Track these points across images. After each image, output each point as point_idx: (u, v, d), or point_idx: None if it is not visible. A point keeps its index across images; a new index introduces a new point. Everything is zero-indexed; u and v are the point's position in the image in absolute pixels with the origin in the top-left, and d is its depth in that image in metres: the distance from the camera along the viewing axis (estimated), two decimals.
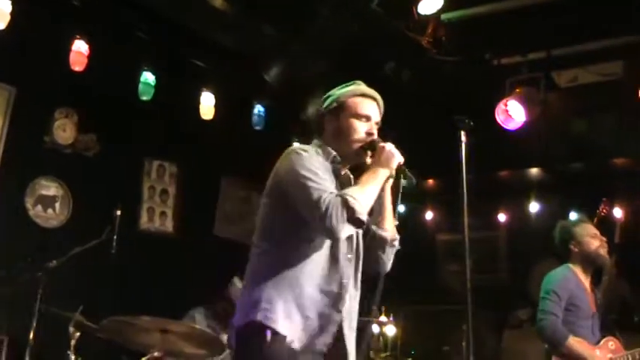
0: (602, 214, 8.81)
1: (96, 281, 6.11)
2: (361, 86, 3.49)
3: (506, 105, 6.66)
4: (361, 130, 3.34)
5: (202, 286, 6.55)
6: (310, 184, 3.09)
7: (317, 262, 3.16)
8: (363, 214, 3.06)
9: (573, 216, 8.95)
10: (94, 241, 5.13)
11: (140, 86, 6.43)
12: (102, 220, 5.23)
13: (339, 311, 3.18)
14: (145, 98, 6.45)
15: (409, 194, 3.29)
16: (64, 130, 6.41)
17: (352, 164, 3.40)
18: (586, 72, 7.11)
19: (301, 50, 6.43)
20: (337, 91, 3.47)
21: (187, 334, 4.56)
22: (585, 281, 5.36)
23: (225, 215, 7.76)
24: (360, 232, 3.33)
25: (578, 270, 5.36)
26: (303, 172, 3.14)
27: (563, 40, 6.75)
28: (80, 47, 5.98)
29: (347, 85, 3.49)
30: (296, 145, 3.41)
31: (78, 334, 4.64)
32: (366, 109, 3.40)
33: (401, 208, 3.50)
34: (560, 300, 5.13)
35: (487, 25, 6.65)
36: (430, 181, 8.52)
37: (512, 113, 6.62)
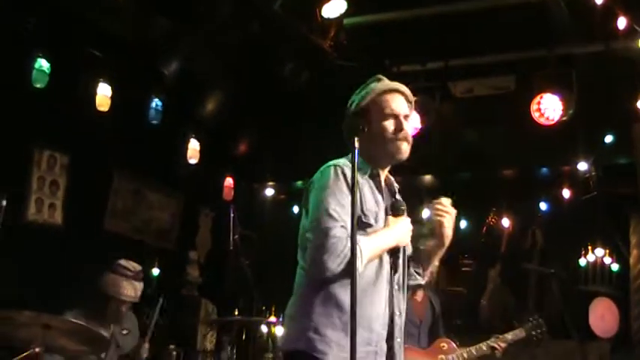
0: (491, 223, 9.10)
1: None
2: (383, 81, 3.37)
3: None
4: (390, 128, 3.23)
5: (89, 281, 6.42)
6: (327, 208, 3.00)
7: (364, 283, 3.04)
8: (359, 269, 2.93)
9: (463, 224, 9.23)
10: None
11: (34, 73, 6.23)
12: None
13: (391, 337, 3.15)
14: (38, 85, 6.26)
15: None
16: None
17: (392, 164, 3.33)
18: (481, 84, 7.30)
19: (200, 45, 6.38)
20: (359, 94, 3.35)
21: (70, 330, 4.44)
22: (414, 293, 5.46)
23: (116, 210, 7.62)
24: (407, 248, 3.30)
25: None
26: (326, 195, 3.03)
27: (461, 51, 6.92)
28: None
29: (368, 85, 3.37)
30: (333, 161, 3.19)
31: None
32: (393, 106, 3.28)
33: None
34: None
35: (389, 33, 6.75)
36: None
37: None
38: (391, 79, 3.45)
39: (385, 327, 3.16)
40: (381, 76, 3.41)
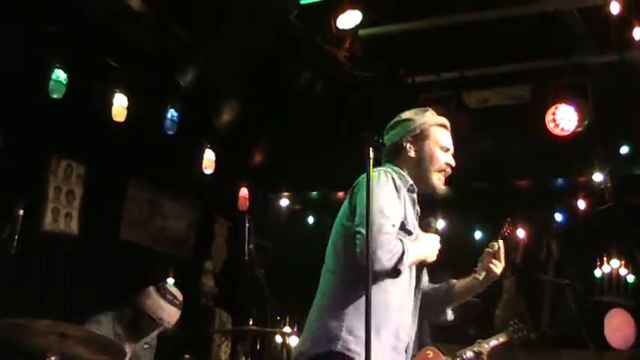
0: (506, 234, 9.08)
1: None
2: (436, 116, 3.53)
3: None
4: (442, 160, 3.41)
5: (105, 290, 6.45)
6: (382, 207, 3.06)
7: (397, 290, 3.17)
8: (404, 269, 3.07)
9: (478, 234, 9.21)
10: None
11: (51, 83, 6.27)
12: (3, 218, 5.09)
13: (410, 339, 3.27)
14: (55, 96, 6.30)
15: None
16: None
17: (424, 192, 3.46)
18: (496, 94, 7.30)
19: (216, 56, 6.42)
20: (416, 117, 3.49)
21: (87, 338, 4.46)
22: None
23: (132, 219, 7.65)
24: None
25: None
26: (379, 195, 3.09)
27: (475, 62, 6.92)
28: None
29: (422, 112, 3.52)
30: (381, 168, 3.34)
31: None
32: (448, 141, 3.48)
33: None
34: None
35: (403, 43, 6.76)
36: (340, 194, 8.56)
37: None
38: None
39: (408, 336, 3.26)
40: (429, 109, 3.58)
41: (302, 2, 6.10)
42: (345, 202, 3.30)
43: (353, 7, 6.08)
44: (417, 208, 3.44)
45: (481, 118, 7.25)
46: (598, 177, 7.89)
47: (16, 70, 6.06)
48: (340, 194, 8.57)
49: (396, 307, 3.16)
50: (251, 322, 6.69)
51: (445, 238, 3.69)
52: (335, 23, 6.19)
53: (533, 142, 7.38)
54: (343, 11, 6.11)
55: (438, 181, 3.44)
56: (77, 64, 6.42)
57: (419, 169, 3.40)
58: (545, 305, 8.48)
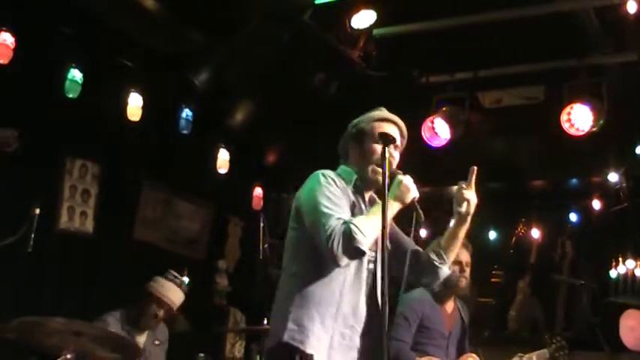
0: (520, 234, 9.06)
1: (9, 280, 5.96)
2: (383, 112, 3.62)
3: (432, 122, 6.77)
4: (378, 150, 3.38)
5: (119, 289, 6.47)
6: (321, 208, 3.23)
7: (341, 282, 3.31)
8: (363, 244, 3.15)
9: (492, 235, 9.19)
10: (10, 238, 5.00)
11: (66, 83, 6.31)
12: (20, 217, 5.11)
13: (362, 331, 3.37)
14: (71, 96, 6.33)
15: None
16: None
17: (374, 188, 3.54)
18: (510, 95, 7.27)
19: (231, 56, 6.42)
20: (359, 119, 3.62)
21: (101, 337, 4.49)
22: (444, 303, 5.41)
23: (146, 219, 7.67)
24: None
25: (435, 292, 5.38)
26: (318, 197, 3.28)
27: (489, 62, 6.89)
28: (6, 39, 5.81)
29: (369, 112, 3.63)
30: (320, 170, 3.49)
31: None
32: (386, 130, 3.47)
33: None
34: (410, 324, 5.20)
35: (417, 43, 6.75)
36: None
37: (438, 130, 6.73)
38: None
39: (361, 325, 3.38)
40: (382, 108, 3.66)
41: (316, 2, 6.09)
42: (293, 206, 3.50)
43: (367, 7, 6.08)
44: (375, 199, 3.53)
45: (495, 119, 7.23)
46: (613, 177, 7.86)
47: (31, 69, 6.09)
48: None
49: (345, 298, 3.31)
50: (265, 322, 6.70)
51: None
52: (349, 23, 6.19)
53: (547, 143, 7.36)
54: (357, 11, 6.11)
55: (371, 173, 3.46)
56: (92, 64, 6.45)
57: (361, 166, 3.50)
58: (559, 306, 8.46)
